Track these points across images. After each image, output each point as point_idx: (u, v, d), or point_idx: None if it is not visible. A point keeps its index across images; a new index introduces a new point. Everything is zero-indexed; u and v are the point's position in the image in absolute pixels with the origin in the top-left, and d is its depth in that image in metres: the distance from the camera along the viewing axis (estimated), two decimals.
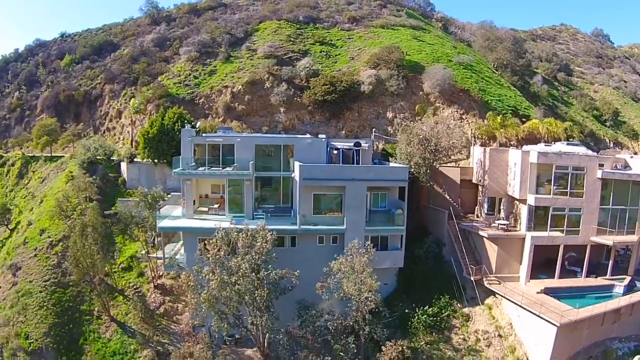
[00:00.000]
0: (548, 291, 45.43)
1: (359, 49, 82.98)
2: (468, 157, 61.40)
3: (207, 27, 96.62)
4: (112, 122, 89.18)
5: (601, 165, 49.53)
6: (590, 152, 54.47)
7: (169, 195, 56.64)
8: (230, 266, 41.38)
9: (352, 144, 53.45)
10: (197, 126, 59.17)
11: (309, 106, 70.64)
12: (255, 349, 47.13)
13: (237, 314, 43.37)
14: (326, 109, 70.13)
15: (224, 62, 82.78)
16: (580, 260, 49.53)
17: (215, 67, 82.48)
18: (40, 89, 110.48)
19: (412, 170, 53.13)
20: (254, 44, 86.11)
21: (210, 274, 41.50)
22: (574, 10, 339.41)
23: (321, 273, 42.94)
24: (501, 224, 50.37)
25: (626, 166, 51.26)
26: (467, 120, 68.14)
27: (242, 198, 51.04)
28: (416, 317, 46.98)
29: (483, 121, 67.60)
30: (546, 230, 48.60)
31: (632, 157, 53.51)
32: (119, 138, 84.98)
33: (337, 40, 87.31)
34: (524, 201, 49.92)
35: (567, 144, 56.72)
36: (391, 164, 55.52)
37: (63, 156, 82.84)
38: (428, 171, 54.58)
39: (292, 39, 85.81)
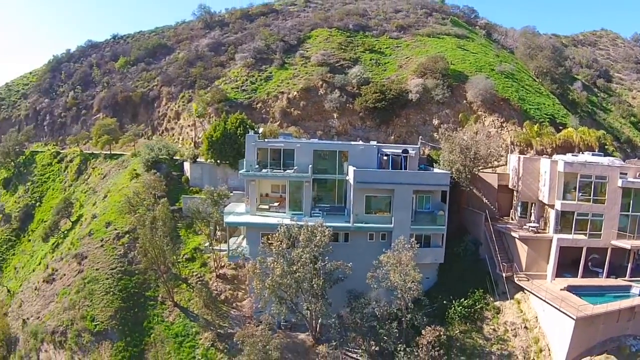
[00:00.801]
0: (570, 289, 49.14)
1: (406, 58, 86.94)
2: (506, 163, 64.50)
3: (260, 34, 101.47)
4: (169, 123, 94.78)
5: (624, 174, 52.89)
6: (617, 162, 57.65)
7: (232, 194, 61.71)
8: (292, 257, 46.94)
9: (401, 151, 57.89)
10: (259, 131, 64.13)
11: (361, 112, 75.14)
12: (307, 333, 52.03)
13: (294, 301, 48.70)
14: (376, 115, 74.57)
15: (279, 69, 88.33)
16: (603, 262, 52.63)
17: (270, 73, 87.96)
18: (95, 89, 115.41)
19: (453, 175, 57.10)
20: (307, 51, 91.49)
21: (275, 264, 47.17)
22: (616, 13, 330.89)
23: (370, 266, 47.85)
24: (531, 226, 54.76)
25: None
26: (507, 128, 70.62)
27: (301, 197, 56.26)
28: (452, 308, 51.42)
29: (522, 129, 70.05)
30: (571, 233, 52.35)
31: None
32: (178, 138, 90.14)
33: (386, 48, 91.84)
34: (552, 206, 53.67)
35: (592, 155, 59.90)
36: (435, 170, 59.67)
37: (123, 154, 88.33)
38: (468, 177, 58.29)
39: (343, 47, 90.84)
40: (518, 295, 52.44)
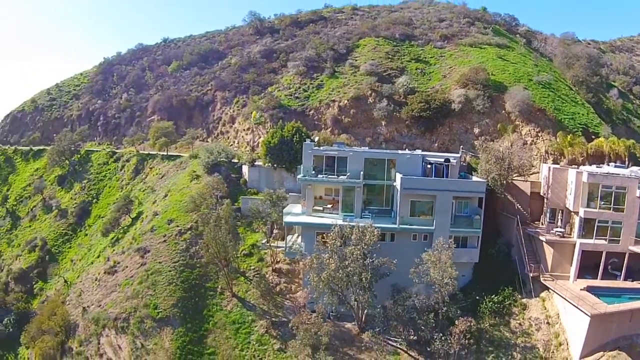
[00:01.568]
0: (590, 289, 52.89)
1: (450, 67, 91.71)
2: (539, 172, 68.60)
3: (311, 42, 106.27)
4: (224, 126, 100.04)
5: None
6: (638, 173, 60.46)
7: (288, 196, 67.37)
8: (345, 253, 53.04)
9: (443, 160, 63.14)
10: (315, 140, 69.77)
11: (407, 120, 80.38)
12: (353, 323, 57.30)
13: (344, 293, 54.72)
14: (422, 124, 79.52)
15: (330, 77, 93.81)
16: (621, 266, 56.06)
17: (322, 81, 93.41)
18: (148, 91, 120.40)
19: (489, 183, 61.75)
20: (356, 60, 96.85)
21: (330, 259, 53.51)
22: None
23: (412, 263, 53.10)
24: (558, 231, 59.57)
25: None
26: (542, 138, 73.89)
27: (353, 201, 62.31)
28: (484, 303, 56.07)
29: (556, 139, 72.90)
30: (592, 238, 56.27)
31: None
32: (233, 142, 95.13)
33: (431, 57, 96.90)
34: (577, 213, 57.70)
35: (615, 166, 62.69)
36: (473, 178, 64.27)
37: (180, 155, 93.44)
38: (503, 184, 62.72)
39: (390, 56, 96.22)
40: (543, 294, 56.72)
